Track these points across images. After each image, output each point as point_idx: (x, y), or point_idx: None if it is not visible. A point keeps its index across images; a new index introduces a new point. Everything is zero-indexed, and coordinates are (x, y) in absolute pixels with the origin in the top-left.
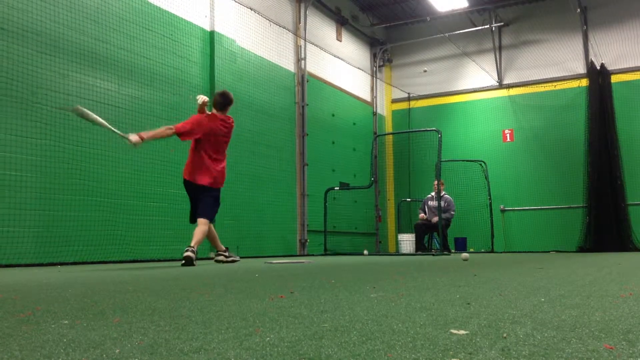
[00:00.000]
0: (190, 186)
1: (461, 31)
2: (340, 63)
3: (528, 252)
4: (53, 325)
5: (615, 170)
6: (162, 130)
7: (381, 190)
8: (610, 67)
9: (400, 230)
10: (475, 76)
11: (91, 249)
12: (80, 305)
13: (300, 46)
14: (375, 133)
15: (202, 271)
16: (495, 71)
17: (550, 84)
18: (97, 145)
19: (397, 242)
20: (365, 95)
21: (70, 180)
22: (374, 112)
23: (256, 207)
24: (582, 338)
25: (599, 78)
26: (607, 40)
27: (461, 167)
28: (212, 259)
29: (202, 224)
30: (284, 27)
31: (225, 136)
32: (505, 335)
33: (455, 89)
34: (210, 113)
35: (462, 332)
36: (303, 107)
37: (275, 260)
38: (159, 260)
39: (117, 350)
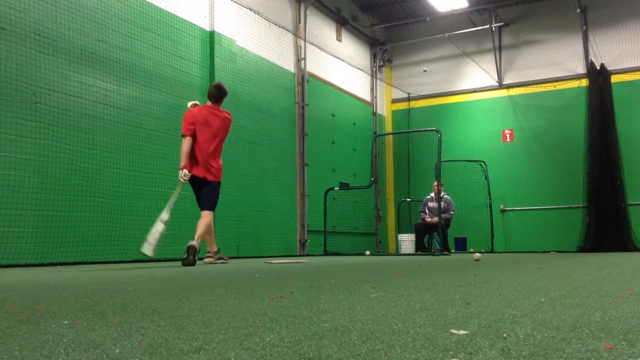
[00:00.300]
0: (191, 180)
1: (461, 31)
2: (340, 63)
3: (528, 252)
4: (53, 325)
5: (615, 170)
6: (183, 147)
7: (381, 190)
8: (610, 67)
9: (400, 230)
10: (475, 76)
11: (91, 249)
12: (80, 305)
13: (300, 46)
14: (375, 133)
15: (202, 271)
16: (495, 71)
17: (550, 84)
18: (97, 145)
19: (397, 242)
20: (365, 95)
21: (70, 180)
22: (374, 112)
23: (256, 207)
24: (582, 338)
25: (599, 78)
26: (607, 40)
27: (461, 167)
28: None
29: (204, 217)
30: (284, 27)
31: (220, 128)
32: (505, 335)
33: (455, 89)
34: (202, 105)
35: (462, 332)
36: (303, 107)
37: (275, 260)
38: (158, 260)
39: (117, 350)
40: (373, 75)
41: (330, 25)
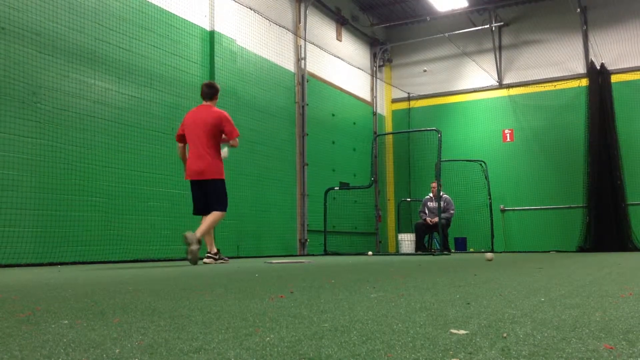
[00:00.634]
0: (191, 184)
1: (461, 31)
2: (340, 63)
3: (528, 252)
4: (53, 325)
5: (615, 170)
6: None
7: (381, 190)
8: (610, 67)
9: (400, 230)
10: (475, 76)
11: (91, 249)
12: (80, 305)
13: (300, 46)
14: (375, 133)
15: (202, 271)
16: (495, 71)
17: (550, 84)
18: (97, 145)
19: (397, 242)
20: (365, 95)
21: (70, 180)
22: (374, 112)
23: (256, 207)
24: (582, 338)
25: (599, 78)
26: (607, 40)
27: (461, 167)
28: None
29: (212, 215)
30: (284, 27)
31: (207, 124)
32: (505, 335)
33: (455, 89)
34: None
35: (462, 332)
36: (303, 107)
37: (275, 260)
38: (158, 260)
39: (117, 350)
40: (373, 75)
41: (330, 25)
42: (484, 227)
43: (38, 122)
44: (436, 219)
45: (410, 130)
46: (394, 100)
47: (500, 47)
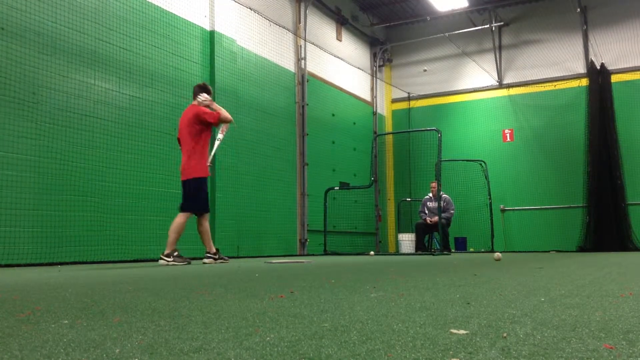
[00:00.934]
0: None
1: (461, 31)
2: (340, 63)
3: (528, 252)
4: (53, 325)
5: (615, 170)
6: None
7: (381, 190)
8: (610, 67)
9: (400, 230)
10: (475, 76)
11: (91, 249)
12: (80, 305)
13: (300, 46)
14: (375, 133)
15: (202, 271)
16: (495, 71)
17: (550, 84)
18: (97, 145)
19: (397, 242)
20: (365, 95)
21: (70, 179)
22: (374, 112)
23: (256, 207)
24: (582, 338)
25: (599, 78)
26: (607, 40)
27: (461, 166)
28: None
29: (176, 217)
30: (284, 27)
31: (185, 124)
32: (505, 335)
33: (455, 89)
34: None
35: (462, 332)
36: (303, 106)
37: (275, 260)
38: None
39: (117, 350)
40: (373, 75)
41: (331, 25)
42: (484, 227)
43: (38, 122)
44: (436, 219)
45: (410, 130)
46: (394, 100)
47: (500, 47)
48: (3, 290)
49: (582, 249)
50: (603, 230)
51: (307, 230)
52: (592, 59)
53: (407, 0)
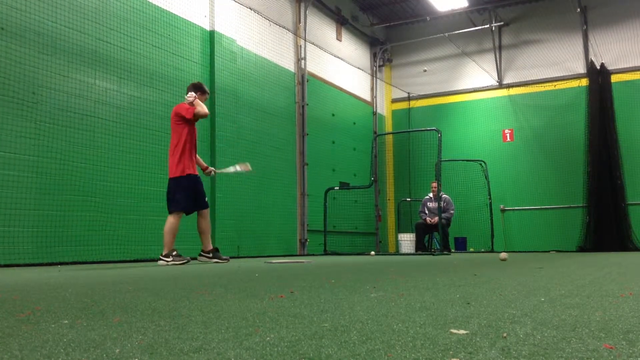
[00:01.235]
0: None
1: (461, 31)
2: (340, 63)
3: (528, 252)
4: (53, 325)
5: (615, 170)
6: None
7: (381, 190)
8: (610, 67)
9: (400, 230)
10: (475, 76)
11: (91, 249)
12: (80, 305)
13: (300, 46)
14: (375, 133)
15: (202, 271)
16: (495, 71)
17: (550, 84)
18: (98, 145)
19: (397, 242)
20: (365, 95)
21: (70, 179)
22: (374, 112)
23: (256, 207)
24: (582, 338)
25: (599, 78)
26: (607, 40)
27: (461, 166)
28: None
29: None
30: (284, 27)
31: (171, 123)
32: (505, 335)
33: (455, 89)
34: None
35: (462, 332)
36: (303, 106)
37: (275, 260)
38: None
39: (117, 350)
40: (373, 75)
41: (330, 25)
42: (484, 227)
43: (38, 122)
44: (436, 219)
45: (410, 130)
46: (394, 100)
47: (500, 47)
48: (3, 290)
49: (582, 249)
50: (603, 230)
51: (307, 230)
52: (592, 59)
53: (407, 0)
